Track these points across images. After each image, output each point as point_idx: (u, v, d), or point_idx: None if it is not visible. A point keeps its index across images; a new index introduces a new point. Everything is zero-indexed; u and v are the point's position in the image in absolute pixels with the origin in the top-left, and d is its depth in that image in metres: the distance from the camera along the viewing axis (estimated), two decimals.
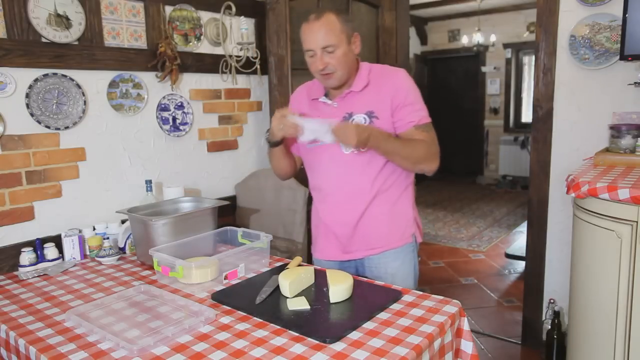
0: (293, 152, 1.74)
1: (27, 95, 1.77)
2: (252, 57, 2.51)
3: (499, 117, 7.55)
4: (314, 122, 1.46)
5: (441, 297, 1.34)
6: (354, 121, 1.54)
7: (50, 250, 1.77)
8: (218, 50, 2.45)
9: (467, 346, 1.27)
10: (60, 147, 1.89)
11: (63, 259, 1.80)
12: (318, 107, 1.64)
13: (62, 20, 1.83)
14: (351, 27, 1.53)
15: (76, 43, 1.89)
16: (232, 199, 2.54)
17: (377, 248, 1.61)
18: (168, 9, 2.21)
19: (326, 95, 1.62)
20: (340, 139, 1.41)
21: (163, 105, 2.22)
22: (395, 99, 1.53)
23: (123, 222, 1.94)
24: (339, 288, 1.31)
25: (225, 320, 1.25)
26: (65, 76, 1.87)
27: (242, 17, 2.42)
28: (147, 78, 2.15)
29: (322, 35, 1.47)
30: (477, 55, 7.47)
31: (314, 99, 1.65)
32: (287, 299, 1.32)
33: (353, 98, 1.57)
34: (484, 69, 7.52)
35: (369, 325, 1.18)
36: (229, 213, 2.49)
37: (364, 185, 1.57)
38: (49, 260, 1.76)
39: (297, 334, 1.15)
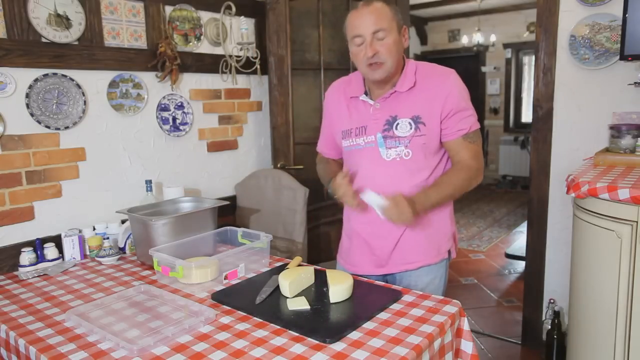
0: (336, 155, 1.68)
1: (27, 95, 1.77)
2: (252, 57, 2.51)
3: (499, 117, 7.56)
4: (369, 194, 1.38)
5: (441, 297, 1.34)
6: (398, 125, 1.45)
7: (50, 250, 1.77)
8: (218, 50, 2.45)
9: (467, 346, 1.27)
10: (60, 147, 1.88)
11: (63, 259, 1.80)
12: (358, 107, 1.53)
13: (62, 20, 1.83)
14: (401, 19, 1.43)
15: (76, 43, 1.89)
16: (232, 199, 2.54)
17: (413, 263, 1.54)
18: (168, 9, 2.21)
19: (366, 93, 1.52)
20: (393, 219, 1.33)
21: (163, 105, 2.22)
22: (447, 106, 1.43)
23: (123, 222, 1.94)
24: (339, 288, 1.31)
25: (225, 320, 1.25)
26: (65, 76, 1.87)
27: (242, 17, 2.42)
28: (147, 78, 2.15)
29: (373, 20, 1.36)
30: (477, 55, 7.47)
31: (353, 97, 1.54)
32: (287, 299, 1.32)
33: (397, 99, 1.46)
34: (484, 69, 7.53)
35: (369, 325, 1.18)
36: (229, 213, 2.49)
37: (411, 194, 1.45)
38: (49, 260, 1.76)
39: (297, 334, 1.15)
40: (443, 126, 1.45)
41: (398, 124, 1.45)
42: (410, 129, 1.44)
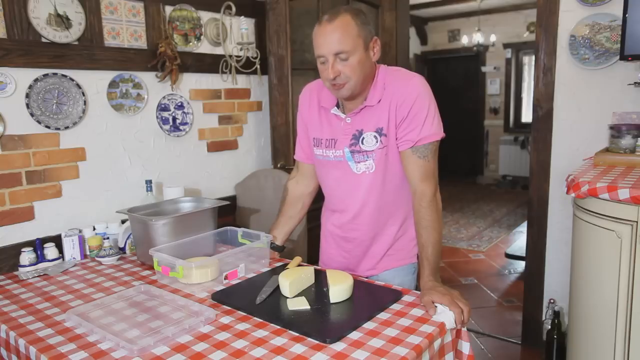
0: (308, 161, 1.65)
1: (27, 95, 1.77)
2: (252, 57, 2.51)
3: (499, 117, 7.56)
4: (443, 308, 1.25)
5: None
6: (364, 140, 1.41)
7: (50, 250, 1.77)
8: (218, 50, 2.45)
9: (465, 346, 1.27)
10: (60, 147, 1.88)
11: (63, 259, 1.80)
12: (329, 117, 1.50)
13: (62, 20, 1.83)
14: (369, 31, 1.35)
15: (76, 43, 1.89)
16: (232, 199, 2.54)
17: (380, 268, 1.56)
18: (168, 9, 2.21)
19: (338, 105, 1.48)
20: (462, 309, 1.22)
21: (163, 105, 2.22)
22: (399, 112, 1.37)
23: (123, 222, 1.94)
24: (339, 288, 1.31)
25: (226, 320, 1.25)
26: (65, 76, 1.87)
27: (242, 17, 2.42)
28: (147, 78, 2.15)
29: (335, 40, 1.30)
30: (477, 55, 7.48)
31: (324, 107, 1.51)
32: (287, 299, 1.32)
33: (367, 113, 1.42)
34: (484, 69, 7.53)
35: (369, 325, 1.18)
36: (229, 213, 2.49)
37: (379, 206, 1.48)
38: (49, 260, 1.76)
39: (297, 334, 1.15)
40: (397, 135, 1.40)
41: (364, 138, 1.42)
42: (376, 142, 1.41)
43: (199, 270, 1.49)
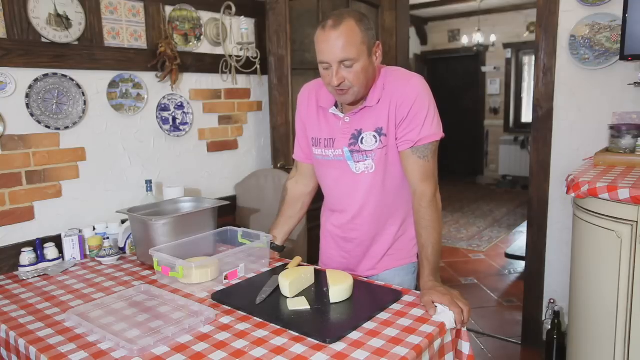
0: (307, 161, 1.65)
1: (27, 95, 1.77)
2: (252, 57, 2.51)
3: (499, 117, 7.57)
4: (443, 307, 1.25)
5: None
6: (363, 139, 1.41)
7: (50, 250, 1.77)
8: (218, 50, 2.45)
9: (465, 346, 1.27)
10: (60, 147, 1.88)
11: (63, 259, 1.80)
12: (327, 117, 1.50)
13: (62, 20, 1.83)
14: (372, 36, 1.33)
15: (76, 43, 1.89)
16: (232, 199, 2.54)
17: (380, 268, 1.56)
18: (168, 9, 2.21)
19: (336, 105, 1.48)
20: (462, 309, 1.22)
21: (163, 105, 2.22)
22: (399, 112, 1.38)
23: (123, 222, 1.94)
24: (339, 288, 1.31)
25: (226, 320, 1.25)
26: (65, 76, 1.87)
27: (242, 17, 2.42)
28: (147, 78, 2.15)
29: (339, 48, 1.27)
30: (477, 55, 7.48)
31: (322, 107, 1.52)
32: (287, 299, 1.32)
33: (366, 113, 1.42)
34: (484, 69, 7.53)
35: (369, 325, 1.18)
36: (229, 213, 2.49)
37: (379, 206, 1.48)
38: (49, 260, 1.76)
39: (297, 334, 1.15)
40: (396, 135, 1.40)
41: (363, 137, 1.42)
42: (376, 142, 1.41)
43: (199, 270, 1.49)
